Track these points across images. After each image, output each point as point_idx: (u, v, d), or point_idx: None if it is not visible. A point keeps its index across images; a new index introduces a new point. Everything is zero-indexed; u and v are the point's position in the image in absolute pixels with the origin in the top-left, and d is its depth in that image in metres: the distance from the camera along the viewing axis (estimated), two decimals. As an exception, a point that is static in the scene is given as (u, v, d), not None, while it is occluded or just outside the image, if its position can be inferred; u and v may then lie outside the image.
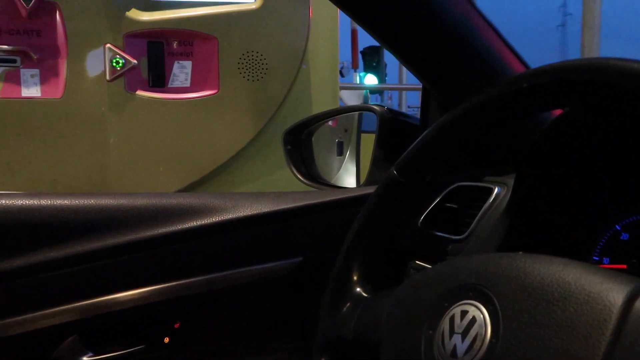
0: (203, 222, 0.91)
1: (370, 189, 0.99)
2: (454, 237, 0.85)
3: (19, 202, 0.85)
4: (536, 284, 0.45)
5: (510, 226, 0.77)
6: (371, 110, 1.19)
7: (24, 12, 1.94)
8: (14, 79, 2.00)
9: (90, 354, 0.89)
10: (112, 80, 2.04)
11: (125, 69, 2.03)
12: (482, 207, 0.83)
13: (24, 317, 0.84)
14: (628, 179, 0.73)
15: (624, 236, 0.73)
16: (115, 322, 0.90)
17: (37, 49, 1.99)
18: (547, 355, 0.41)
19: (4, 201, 0.85)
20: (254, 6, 2.12)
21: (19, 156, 2.01)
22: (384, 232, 0.69)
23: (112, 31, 2.02)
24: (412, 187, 0.67)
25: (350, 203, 0.97)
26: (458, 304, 0.50)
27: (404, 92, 9.26)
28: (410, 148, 0.67)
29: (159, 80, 2.09)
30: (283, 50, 2.15)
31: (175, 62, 2.11)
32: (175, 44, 2.10)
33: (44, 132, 2.02)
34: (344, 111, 1.44)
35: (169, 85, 2.11)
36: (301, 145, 1.32)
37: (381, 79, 7.94)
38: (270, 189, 2.17)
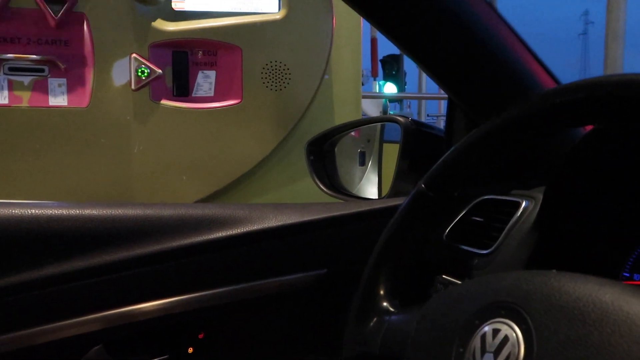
0: (229, 232, 0.91)
1: (395, 201, 0.99)
2: (480, 251, 0.84)
3: (48, 211, 0.86)
4: (571, 304, 0.44)
5: (539, 241, 0.76)
6: (395, 121, 1.19)
7: (52, 23, 1.97)
8: (42, 88, 2.03)
9: (116, 364, 0.89)
10: (137, 89, 2.06)
11: (150, 78, 2.05)
12: (509, 221, 0.82)
13: (50, 326, 0.85)
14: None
15: None
16: (140, 332, 0.90)
17: (64, 58, 2.02)
18: None
19: (33, 210, 0.86)
20: (277, 16, 2.13)
21: (46, 164, 2.03)
22: (411, 246, 0.69)
23: (138, 41, 2.04)
24: (440, 202, 0.66)
25: (375, 215, 0.97)
26: (490, 321, 0.49)
27: (423, 101, 9.23)
28: (439, 162, 0.66)
29: (183, 89, 2.11)
30: (306, 60, 2.15)
31: (200, 72, 2.12)
32: (199, 54, 2.12)
33: (70, 140, 2.04)
34: (367, 122, 1.45)
35: (193, 95, 2.13)
36: (324, 156, 1.32)
37: (401, 88, 7.92)
38: (292, 199, 2.17)
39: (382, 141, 1.39)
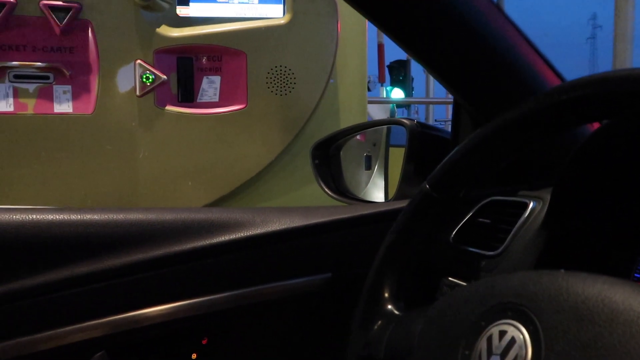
0: (232, 237, 0.90)
1: (400, 204, 0.98)
2: (487, 252, 0.82)
3: (49, 216, 0.86)
4: (580, 304, 0.43)
5: (547, 242, 0.74)
6: (401, 123, 1.18)
7: (57, 30, 1.98)
8: (47, 95, 2.03)
9: (119, 370, 0.88)
10: (142, 95, 2.06)
11: (155, 84, 2.05)
12: (516, 222, 0.81)
13: (52, 332, 0.84)
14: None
15: None
16: (143, 337, 0.89)
17: (69, 65, 2.03)
18: None
19: (34, 216, 0.85)
20: (282, 21, 2.13)
21: (51, 171, 2.03)
22: (416, 248, 0.68)
23: (143, 47, 2.04)
24: (445, 203, 0.65)
25: (380, 218, 0.95)
26: (496, 323, 0.48)
27: (430, 106, 9.23)
28: (443, 163, 0.65)
29: (188, 95, 2.11)
30: (311, 64, 2.15)
31: (204, 77, 2.12)
32: (204, 60, 2.12)
33: (75, 147, 2.04)
34: (373, 125, 1.43)
35: (198, 100, 2.13)
36: (329, 160, 1.31)
37: (408, 93, 7.93)
38: (298, 203, 2.17)
39: (388, 145, 1.38)
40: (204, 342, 0.93)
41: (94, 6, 2.00)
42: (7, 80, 2.00)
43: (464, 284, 0.83)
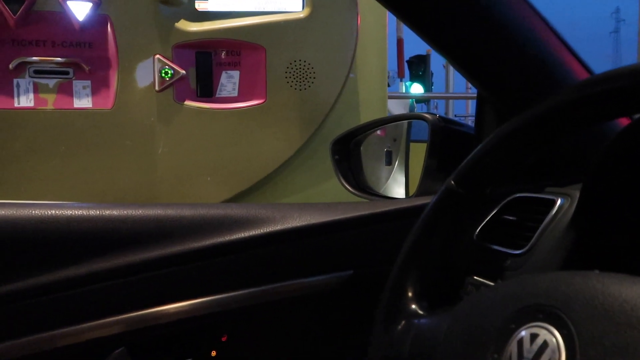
0: (251, 233, 0.89)
1: (423, 200, 0.96)
2: (512, 251, 0.80)
3: (68, 212, 0.85)
4: (617, 307, 0.41)
5: (576, 241, 0.72)
6: (423, 118, 1.16)
7: (76, 25, 1.98)
8: (67, 90, 2.04)
9: (138, 367, 0.88)
10: (161, 90, 2.06)
11: (174, 79, 2.05)
12: (543, 219, 0.79)
13: (72, 328, 0.84)
14: None
15: None
16: (162, 334, 0.89)
17: (89, 60, 2.03)
18: None
19: (53, 211, 0.85)
20: (301, 15, 2.11)
21: (70, 166, 2.05)
22: (440, 246, 0.66)
23: (161, 42, 2.04)
24: (471, 200, 0.63)
25: (402, 215, 0.94)
26: (526, 326, 0.46)
27: (450, 101, 9.15)
28: (468, 158, 0.63)
29: (207, 90, 2.11)
30: (331, 59, 2.13)
31: (223, 72, 2.12)
32: (223, 54, 2.11)
33: (94, 142, 2.05)
34: (393, 120, 1.41)
35: (217, 95, 2.12)
36: (349, 155, 1.30)
37: (427, 88, 7.88)
38: (317, 199, 2.15)
39: (409, 140, 1.36)
40: (223, 339, 0.92)
41: (112, 1, 2.00)
42: (27, 75, 2.01)
43: (489, 283, 0.81)
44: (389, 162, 1.41)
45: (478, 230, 0.88)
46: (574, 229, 0.72)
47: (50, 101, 2.03)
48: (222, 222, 0.89)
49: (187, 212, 0.89)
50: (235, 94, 2.13)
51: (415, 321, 0.63)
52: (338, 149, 1.29)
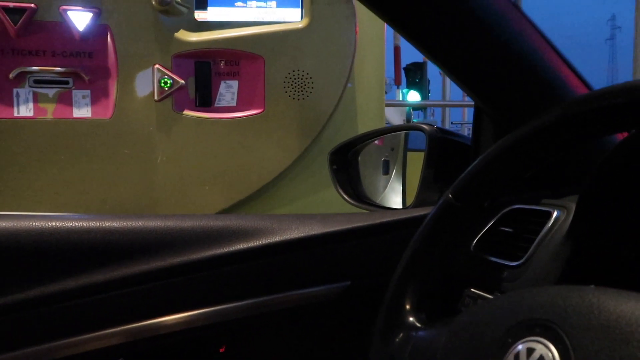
0: (250, 244, 0.89)
1: (421, 211, 0.97)
2: (509, 262, 0.81)
3: (68, 224, 0.86)
4: (612, 322, 0.41)
5: (572, 253, 0.72)
6: (420, 129, 1.16)
7: (76, 35, 1.99)
8: (66, 100, 2.05)
9: (137, 378, 0.88)
10: (160, 100, 2.06)
11: (173, 89, 2.06)
12: (540, 231, 0.79)
13: (71, 340, 0.84)
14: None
15: None
16: (161, 345, 0.89)
17: (88, 70, 2.04)
18: None
19: (53, 223, 0.85)
20: (300, 25, 2.12)
21: (70, 175, 2.04)
22: (438, 258, 0.66)
23: (161, 52, 2.05)
24: (468, 213, 0.64)
25: (400, 226, 0.94)
26: (524, 340, 0.47)
27: (447, 109, 9.17)
28: (466, 172, 0.64)
29: (205, 99, 2.11)
30: (329, 68, 2.14)
31: (222, 82, 2.12)
32: (222, 64, 2.12)
33: (93, 151, 2.05)
34: (391, 130, 1.42)
35: (216, 105, 2.13)
36: (347, 165, 1.30)
37: (424, 96, 7.89)
38: (315, 208, 2.16)
39: (406, 150, 1.37)
40: (221, 350, 0.92)
41: (112, 11, 2.01)
42: (27, 85, 2.01)
43: (487, 295, 0.81)
44: (387, 172, 1.41)
45: (475, 241, 0.88)
46: (570, 240, 0.73)
47: (50, 111, 2.03)
48: (221, 234, 0.90)
49: (186, 223, 0.90)
50: (234, 103, 2.13)
51: (413, 333, 0.63)
52: (336, 159, 1.30)
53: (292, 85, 2.12)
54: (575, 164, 0.86)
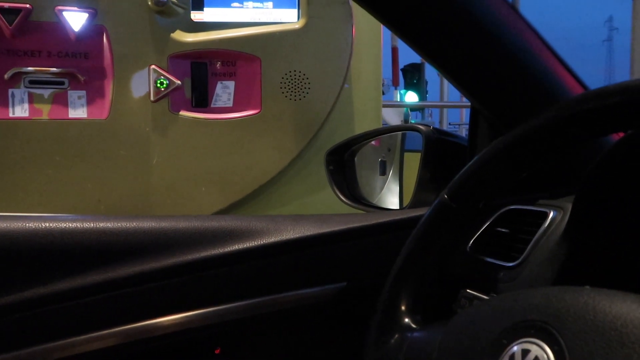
0: (245, 245, 0.89)
1: (417, 212, 0.96)
2: (505, 263, 0.80)
3: (62, 224, 0.85)
4: (608, 323, 0.41)
5: (568, 254, 0.72)
6: (417, 130, 1.16)
7: (72, 36, 1.98)
8: (62, 101, 2.04)
9: (131, 379, 0.87)
10: (156, 101, 2.06)
11: (170, 89, 2.06)
12: (536, 232, 0.79)
13: (66, 341, 0.84)
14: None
15: None
16: (156, 347, 0.89)
17: (84, 71, 2.03)
18: None
19: (47, 224, 0.85)
20: (297, 26, 2.12)
21: (65, 176, 2.04)
22: (434, 259, 0.66)
23: (157, 52, 2.04)
24: (464, 214, 0.64)
25: (396, 226, 0.94)
26: (519, 341, 0.46)
27: (445, 110, 9.18)
28: (462, 172, 0.64)
29: (202, 100, 2.11)
30: (326, 69, 2.14)
31: (218, 83, 2.12)
32: (218, 65, 2.11)
33: (89, 152, 2.05)
34: (388, 131, 1.42)
35: (212, 105, 2.12)
36: (344, 166, 1.30)
37: (422, 97, 7.90)
38: (312, 209, 2.15)
39: (403, 150, 1.37)
40: (217, 351, 0.92)
41: (108, 11, 2.01)
42: (22, 85, 2.01)
43: (483, 296, 0.81)
44: (383, 172, 1.41)
45: (471, 242, 0.88)
46: (566, 241, 0.73)
47: (45, 111, 2.03)
48: (216, 234, 0.89)
49: (181, 224, 0.89)
50: (230, 104, 2.13)
51: (409, 335, 0.63)
52: (333, 160, 1.29)
53: (288, 86, 2.12)
54: (571, 164, 0.86)
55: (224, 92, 2.12)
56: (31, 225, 0.84)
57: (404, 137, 1.35)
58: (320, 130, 2.16)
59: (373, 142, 1.37)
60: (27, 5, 1.94)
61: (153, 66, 2.04)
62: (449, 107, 8.56)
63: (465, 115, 9.39)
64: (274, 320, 0.92)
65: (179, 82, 2.06)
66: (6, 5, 1.92)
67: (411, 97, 7.65)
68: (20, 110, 2.01)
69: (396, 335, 0.64)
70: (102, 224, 0.87)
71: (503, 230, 0.86)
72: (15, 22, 1.93)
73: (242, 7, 2.14)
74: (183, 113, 2.09)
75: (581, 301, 0.44)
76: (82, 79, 2.02)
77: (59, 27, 1.98)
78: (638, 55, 5.02)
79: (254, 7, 2.14)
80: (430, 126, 1.14)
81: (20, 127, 2.01)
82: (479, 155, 0.62)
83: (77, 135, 2.04)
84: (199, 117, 2.10)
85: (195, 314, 0.87)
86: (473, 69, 0.84)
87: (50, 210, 2.00)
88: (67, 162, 2.03)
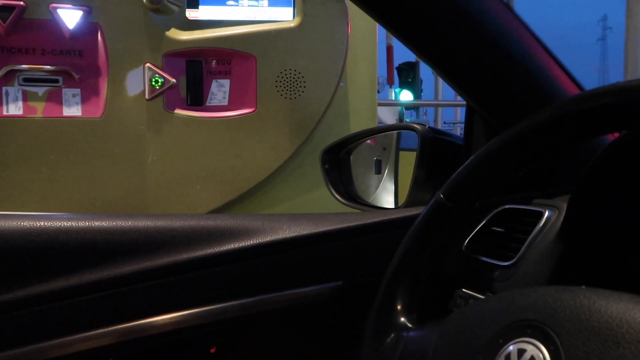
0: (241, 244, 0.89)
1: (412, 211, 0.97)
2: (501, 263, 0.81)
3: (57, 223, 0.85)
4: (603, 323, 0.41)
5: (563, 253, 0.72)
6: (412, 129, 1.16)
7: (67, 33, 1.98)
8: (56, 99, 2.03)
9: (127, 378, 0.87)
10: (151, 99, 2.05)
11: (164, 87, 2.05)
12: (531, 231, 0.79)
13: (61, 340, 0.83)
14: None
15: None
16: (151, 346, 0.88)
17: (79, 68, 2.02)
18: None
19: (42, 223, 0.84)
20: (292, 24, 2.11)
21: (60, 174, 2.03)
22: (429, 259, 0.66)
23: (152, 51, 2.04)
24: (460, 213, 0.64)
25: (392, 226, 0.94)
26: (515, 341, 0.47)
27: (439, 108, 9.19)
28: (457, 172, 0.64)
29: (197, 98, 2.10)
30: (321, 67, 2.14)
31: (214, 81, 2.12)
32: (213, 63, 2.11)
33: (84, 151, 2.04)
34: (384, 130, 1.42)
35: (207, 104, 2.12)
36: (339, 165, 1.30)
37: (417, 95, 7.91)
38: (307, 208, 2.15)
39: (398, 149, 1.37)
40: (212, 350, 0.92)
41: (103, 9, 2.00)
42: (16, 83, 2.00)
43: (478, 295, 0.81)
44: (379, 171, 1.41)
45: (467, 241, 0.88)
46: (561, 241, 0.73)
47: (40, 109, 2.02)
48: (212, 233, 0.89)
49: (176, 223, 0.89)
50: (225, 102, 2.13)
51: (405, 334, 0.63)
52: (328, 159, 1.29)
53: (284, 84, 2.11)
54: (567, 164, 0.86)
55: (219, 90, 2.12)
56: (26, 224, 0.84)
57: (399, 136, 1.35)
58: (316, 129, 2.16)
59: (368, 141, 1.37)
60: (21, 3, 1.93)
61: (148, 64, 2.04)
62: (443, 105, 8.57)
63: (460, 113, 9.41)
64: (270, 319, 0.92)
65: (174, 80, 2.06)
66: (0, 2, 1.91)
67: (406, 96, 7.66)
68: (15, 108, 2.00)
69: (392, 335, 0.64)
70: (97, 223, 0.86)
71: (499, 229, 0.86)
72: (9, 19, 1.92)
73: (237, 5, 2.13)
74: (178, 111, 2.09)
75: (577, 301, 0.44)
76: (77, 76, 2.02)
77: (54, 24, 1.97)
78: (632, 54, 5.04)
79: (249, 5, 2.14)
80: (425, 125, 1.14)
81: (15, 125, 2.00)
82: (475, 155, 0.62)
83: (72, 133, 2.03)
84: (194, 116, 2.10)
85: (190, 312, 0.87)
86: (468, 68, 0.84)
87: (45, 208, 1.99)
88: (61, 161, 2.02)
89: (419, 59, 7.53)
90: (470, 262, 0.85)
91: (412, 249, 0.66)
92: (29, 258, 0.84)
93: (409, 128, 1.22)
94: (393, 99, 7.56)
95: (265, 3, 2.14)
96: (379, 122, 3.08)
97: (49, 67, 2.00)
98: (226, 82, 2.12)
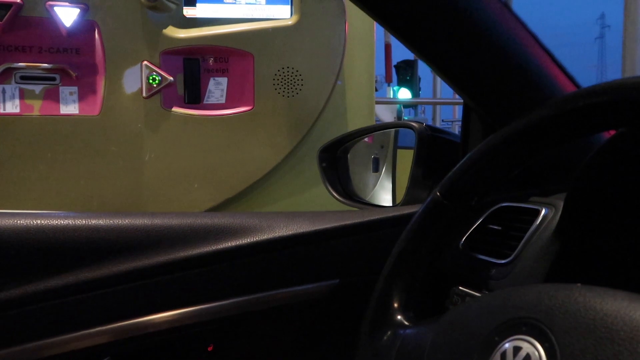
0: (238, 242, 0.89)
1: (410, 209, 0.97)
2: (498, 260, 0.81)
3: (54, 222, 0.85)
4: (598, 321, 0.41)
5: (560, 251, 0.73)
6: (409, 127, 1.17)
7: (64, 31, 1.97)
8: (53, 97, 2.03)
9: (124, 377, 0.87)
10: (148, 97, 2.05)
11: (162, 85, 2.05)
12: (528, 229, 0.79)
13: (58, 338, 0.83)
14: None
15: None
16: (149, 344, 0.88)
17: (76, 66, 2.02)
18: None
19: (39, 221, 0.84)
20: (290, 22, 2.11)
21: (57, 172, 2.03)
22: (426, 256, 0.66)
23: (149, 48, 2.04)
24: (456, 211, 0.64)
25: (389, 224, 0.94)
26: (510, 338, 0.47)
27: (437, 106, 9.20)
28: (454, 170, 0.64)
29: (194, 96, 2.10)
30: (319, 66, 2.13)
31: (211, 79, 2.11)
32: (211, 61, 2.11)
33: (81, 149, 2.04)
34: (381, 128, 1.42)
35: (205, 102, 2.12)
36: (337, 163, 1.30)
37: (415, 93, 7.92)
38: (305, 206, 2.16)
39: (396, 147, 1.37)
40: (209, 348, 0.92)
41: (100, 7, 2.00)
42: (13, 81, 2.00)
43: (475, 293, 0.81)
44: (376, 169, 1.41)
45: (464, 239, 0.88)
46: (558, 238, 0.73)
47: (37, 107, 2.02)
48: (209, 231, 0.89)
49: (174, 221, 0.89)
50: (223, 100, 2.12)
51: (401, 332, 0.63)
52: (325, 157, 1.30)
53: (281, 82, 2.11)
54: (563, 161, 0.86)
55: (216, 88, 2.11)
56: (23, 222, 0.84)
57: (396, 134, 1.36)
58: (313, 127, 2.16)
59: (366, 139, 1.38)
60: (18, 1, 1.93)
61: (145, 62, 2.03)
62: (441, 103, 8.58)
63: (458, 112, 9.41)
64: (267, 317, 0.92)
65: (171, 78, 2.05)
66: (-4, 0, 1.91)
67: (404, 94, 7.67)
68: (11, 106, 2.00)
69: (389, 332, 0.64)
70: (94, 221, 0.86)
71: (495, 227, 0.86)
72: (6, 17, 1.91)
73: (234, 3, 2.13)
74: (175, 109, 2.09)
75: (572, 299, 0.45)
76: (74, 74, 2.01)
77: (50, 22, 1.96)
78: (630, 52, 5.04)
79: (246, 3, 2.13)
80: (423, 123, 1.14)
81: (11, 123, 2.00)
82: (472, 153, 0.62)
83: (69, 131, 2.03)
84: (192, 114, 2.09)
85: (188, 311, 0.87)
86: (466, 66, 0.84)
87: (42, 207, 1.99)
88: (58, 159, 2.02)
89: (417, 57, 7.53)
90: (467, 260, 0.85)
91: (409, 247, 0.66)
92: (26, 256, 0.83)
93: (406, 126, 1.22)
94: (391, 97, 7.57)
95: (263, 1, 2.14)
96: (376, 120, 3.08)
97: (46, 65, 2.00)
98: (224, 80, 2.12)
